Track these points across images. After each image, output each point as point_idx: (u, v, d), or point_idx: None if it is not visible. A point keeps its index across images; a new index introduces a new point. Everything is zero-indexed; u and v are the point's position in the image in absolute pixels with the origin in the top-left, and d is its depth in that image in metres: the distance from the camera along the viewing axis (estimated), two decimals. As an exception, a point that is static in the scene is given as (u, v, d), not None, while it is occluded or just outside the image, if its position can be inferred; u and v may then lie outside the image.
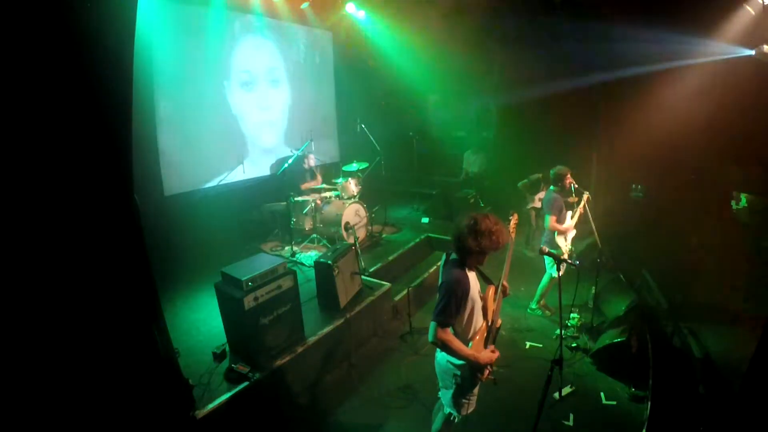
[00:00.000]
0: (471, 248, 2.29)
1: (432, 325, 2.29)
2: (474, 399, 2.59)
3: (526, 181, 6.82)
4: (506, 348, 4.43)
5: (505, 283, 2.59)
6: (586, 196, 4.59)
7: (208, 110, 6.08)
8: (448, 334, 2.28)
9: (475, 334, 2.42)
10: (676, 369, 3.91)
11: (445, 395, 2.59)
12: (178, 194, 5.74)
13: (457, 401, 2.54)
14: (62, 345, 2.10)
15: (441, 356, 2.51)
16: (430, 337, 2.30)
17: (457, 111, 9.17)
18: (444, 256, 2.54)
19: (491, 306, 2.50)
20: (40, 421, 2.05)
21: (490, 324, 2.48)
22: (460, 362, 2.40)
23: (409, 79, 8.41)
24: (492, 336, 2.49)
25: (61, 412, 2.12)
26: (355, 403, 3.67)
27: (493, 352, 2.43)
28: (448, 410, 2.61)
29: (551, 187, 4.63)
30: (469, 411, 2.58)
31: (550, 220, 4.48)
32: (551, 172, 4.64)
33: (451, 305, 2.27)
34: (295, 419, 3.48)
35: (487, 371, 2.43)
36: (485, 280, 2.57)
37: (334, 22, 7.91)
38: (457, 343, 2.29)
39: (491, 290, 2.54)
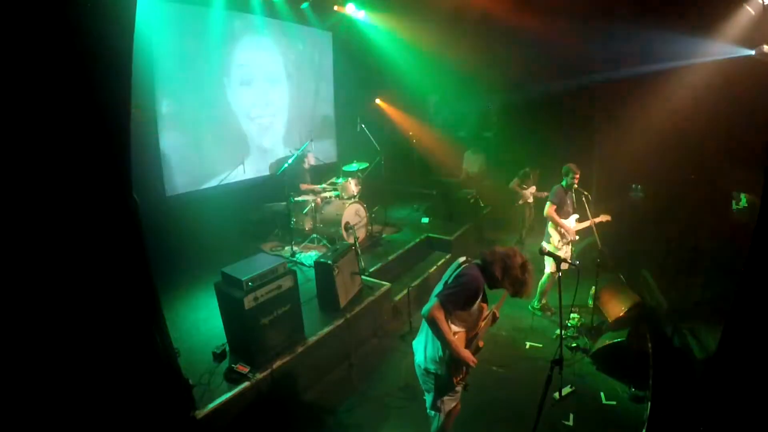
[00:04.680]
0: (492, 273, 2.42)
1: (433, 300, 2.37)
2: (457, 397, 2.63)
3: (516, 178, 6.86)
4: (506, 348, 4.44)
5: (496, 311, 2.65)
6: (605, 218, 4.70)
7: (209, 110, 6.08)
8: (443, 315, 2.35)
9: (455, 333, 2.47)
10: (676, 369, 3.91)
11: (428, 398, 2.64)
12: (179, 194, 5.74)
13: (437, 403, 2.59)
14: (62, 345, 2.09)
15: (420, 359, 2.56)
16: (424, 310, 2.37)
17: (457, 111, 9.17)
18: (462, 259, 2.59)
19: (479, 323, 2.58)
20: (40, 422, 2.05)
21: (471, 336, 2.55)
22: (438, 364, 2.46)
23: (409, 79, 8.41)
24: (473, 347, 2.55)
25: (61, 413, 2.12)
26: (355, 402, 3.67)
27: (474, 354, 2.49)
28: (430, 412, 2.66)
29: (562, 182, 4.77)
30: (448, 409, 2.62)
31: (549, 208, 4.61)
32: (563, 168, 4.76)
33: (461, 296, 2.36)
34: (295, 419, 3.48)
35: (462, 373, 2.51)
36: (483, 297, 2.60)
37: (334, 22, 7.91)
38: (445, 326, 2.35)
39: (485, 308, 2.61)
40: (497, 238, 7.51)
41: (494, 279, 2.44)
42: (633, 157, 6.91)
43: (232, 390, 3.12)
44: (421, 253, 6.38)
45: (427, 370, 2.53)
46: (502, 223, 7.95)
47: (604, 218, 4.72)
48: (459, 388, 2.59)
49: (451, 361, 2.44)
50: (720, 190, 6.34)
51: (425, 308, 2.37)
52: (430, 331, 2.45)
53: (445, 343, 2.36)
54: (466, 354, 2.42)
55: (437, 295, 2.40)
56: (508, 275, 2.41)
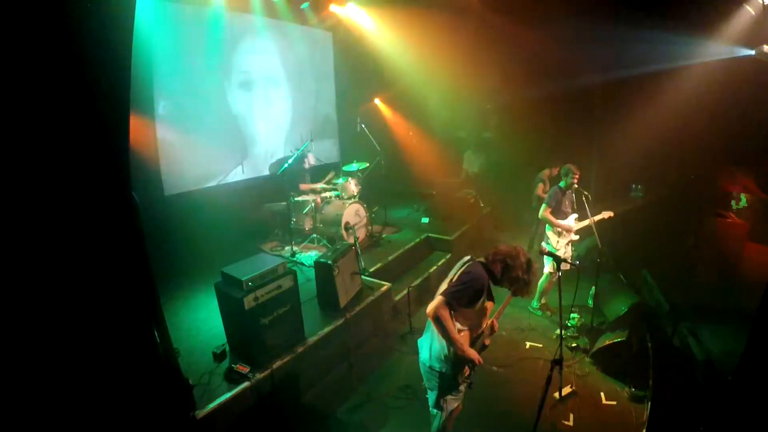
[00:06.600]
0: (494, 271, 2.46)
1: (437, 298, 2.37)
2: (460, 397, 2.63)
3: (539, 183, 6.62)
4: (506, 348, 4.44)
5: (495, 321, 2.65)
6: (607, 215, 4.66)
7: (208, 110, 6.08)
8: (447, 313, 2.35)
9: (460, 331, 2.47)
10: (676, 369, 3.91)
11: (431, 396, 2.64)
12: (178, 194, 5.74)
13: (440, 402, 2.59)
14: (62, 345, 2.09)
15: (425, 357, 2.56)
16: (429, 308, 2.38)
17: (457, 111, 9.17)
18: (468, 257, 2.61)
19: (484, 321, 2.60)
20: (40, 422, 2.05)
21: (476, 335, 2.56)
22: (443, 362, 2.47)
23: (409, 79, 8.41)
24: (478, 346, 2.55)
25: (61, 413, 2.11)
26: (355, 403, 3.68)
27: (479, 353, 2.50)
28: (433, 411, 2.66)
29: (561, 183, 4.76)
30: (451, 408, 2.62)
31: (545, 210, 4.64)
32: (563, 169, 4.76)
33: (466, 293, 2.37)
34: (295, 419, 3.48)
35: (467, 370, 2.51)
36: (489, 295, 2.61)
37: (334, 22, 7.90)
38: (450, 324, 2.36)
39: (489, 305, 2.62)
40: (497, 238, 7.51)
41: (496, 277, 2.46)
42: (633, 157, 6.92)
43: (232, 390, 3.11)
44: (421, 253, 6.38)
45: (431, 368, 2.53)
46: (502, 223, 7.95)
47: (606, 215, 4.68)
48: (463, 388, 2.60)
49: (455, 360, 2.44)
50: (720, 190, 6.35)
51: (430, 306, 2.38)
52: (435, 329, 2.45)
53: (450, 341, 2.37)
54: (471, 352, 2.42)
55: (442, 293, 2.40)
56: (509, 274, 2.43)
